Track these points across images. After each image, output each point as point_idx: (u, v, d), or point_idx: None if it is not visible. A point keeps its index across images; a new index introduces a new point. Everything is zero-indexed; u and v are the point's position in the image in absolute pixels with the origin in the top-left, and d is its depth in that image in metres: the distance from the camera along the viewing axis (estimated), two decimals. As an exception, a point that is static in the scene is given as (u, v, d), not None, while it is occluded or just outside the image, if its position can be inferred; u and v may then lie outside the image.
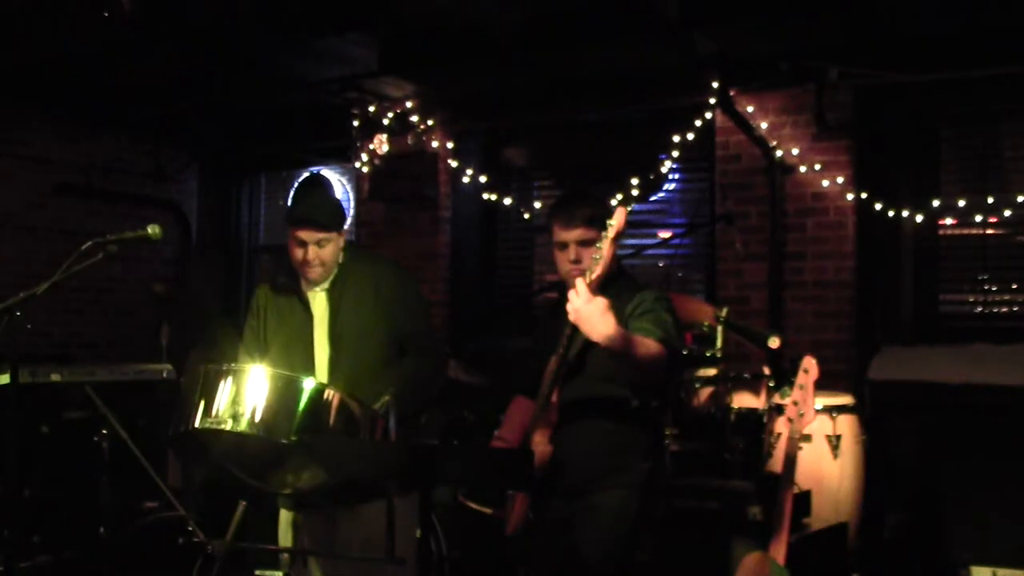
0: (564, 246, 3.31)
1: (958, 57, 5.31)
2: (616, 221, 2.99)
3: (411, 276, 3.85)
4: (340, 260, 3.71)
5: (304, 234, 3.58)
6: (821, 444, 4.44)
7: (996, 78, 5.39)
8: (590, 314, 2.90)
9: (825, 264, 5.73)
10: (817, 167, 5.70)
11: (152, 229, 3.45)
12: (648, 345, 3.06)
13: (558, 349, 3.17)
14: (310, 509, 3.56)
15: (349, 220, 7.17)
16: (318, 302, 3.68)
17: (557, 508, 3.25)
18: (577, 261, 3.25)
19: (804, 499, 4.07)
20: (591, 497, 3.21)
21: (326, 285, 3.68)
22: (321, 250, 3.59)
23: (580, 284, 2.94)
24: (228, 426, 3.07)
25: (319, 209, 3.65)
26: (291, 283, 3.71)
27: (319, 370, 3.58)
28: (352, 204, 7.48)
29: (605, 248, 2.99)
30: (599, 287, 3.01)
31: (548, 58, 5.87)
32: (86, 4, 5.11)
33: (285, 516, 3.68)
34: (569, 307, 2.95)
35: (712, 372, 4.88)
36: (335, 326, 3.61)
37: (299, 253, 3.61)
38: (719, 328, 4.80)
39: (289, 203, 7.90)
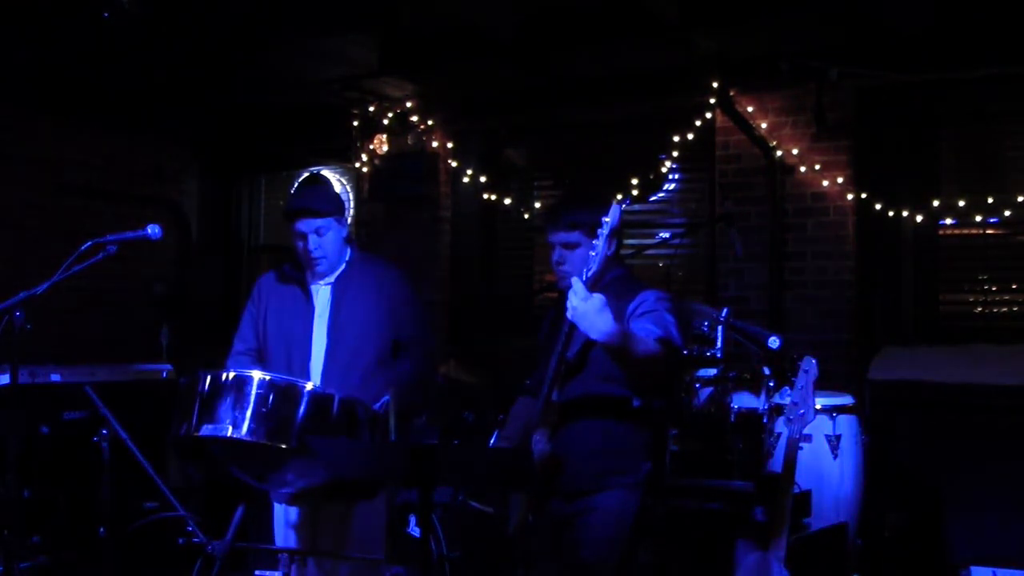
0: (552, 247, 3.37)
1: (958, 57, 5.31)
2: (610, 217, 3.01)
3: (412, 283, 3.89)
4: (347, 257, 3.71)
5: (301, 224, 3.58)
6: (821, 444, 4.44)
7: (996, 78, 5.40)
8: (587, 311, 2.93)
9: (825, 264, 5.72)
10: (817, 167, 5.69)
11: (152, 229, 3.46)
12: (646, 343, 3.07)
13: (557, 347, 3.18)
14: (306, 508, 3.56)
15: (348, 220, 7.15)
16: (321, 295, 3.68)
17: (557, 508, 3.25)
18: (560, 262, 3.32)
19: (804, 499, 4.07)
20: (591, 497, 3.21)
21: (331, 279, 3.68)
22: (322, 239, 3.59)
23: (577, 283, 2.96)
24: (229, 432, 3.08)
25: (312, 197, 3.67)
26: (297, 273, 3.72)
27: (315, 362, 3.58)
28: (352, 204, 7.47)
29: (600, 245, 3.02)
30: (598, 285, 3.02)
31: (548, 58, 5.87)
32: (86, 4, 5.11)
33: (279, 515, 3.68)
34: (568, 305, 2.97)
35: (712, 372, 4.88)
36: (335, 319, 3.61)
37: (301, 246, 3.60)
38: (719, 328, 4.80)
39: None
